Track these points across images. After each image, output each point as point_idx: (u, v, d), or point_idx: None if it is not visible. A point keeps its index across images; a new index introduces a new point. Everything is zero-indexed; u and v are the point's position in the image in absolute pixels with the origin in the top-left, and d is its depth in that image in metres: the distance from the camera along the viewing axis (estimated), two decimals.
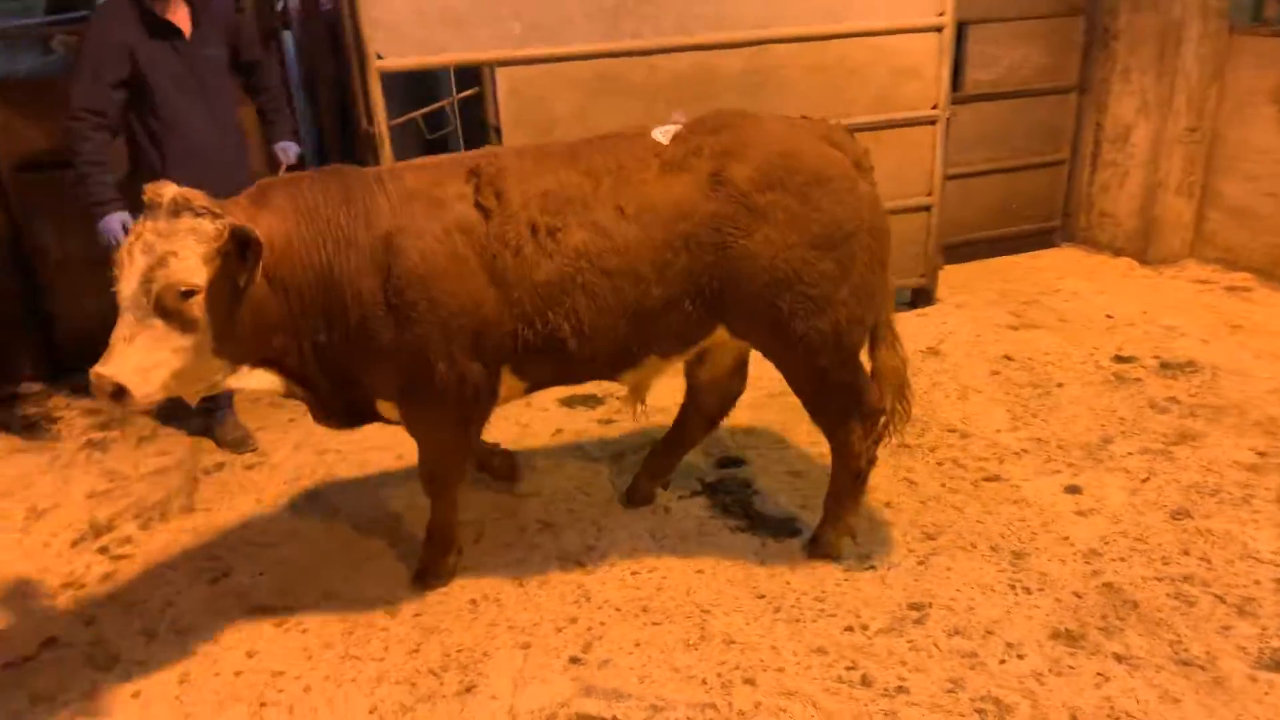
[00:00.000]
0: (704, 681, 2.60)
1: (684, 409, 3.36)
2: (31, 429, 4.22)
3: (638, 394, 3.11)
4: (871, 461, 3.04)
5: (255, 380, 2.55)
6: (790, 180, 2.69)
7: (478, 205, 2.59)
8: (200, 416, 3.96)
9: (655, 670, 2.64)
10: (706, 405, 3.30)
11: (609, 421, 4.05)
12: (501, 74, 4.03)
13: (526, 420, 4.05)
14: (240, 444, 3.92)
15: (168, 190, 2.28)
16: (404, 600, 2.98)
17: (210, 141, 3.56)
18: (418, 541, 3.14)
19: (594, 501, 3.47)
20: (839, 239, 2.72)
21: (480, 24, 3.93)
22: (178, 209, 2.26)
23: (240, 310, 2.36)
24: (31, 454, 4.02)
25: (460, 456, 2.93)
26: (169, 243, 2.23)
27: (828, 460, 3.07)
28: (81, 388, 4.04)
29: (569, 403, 4.18)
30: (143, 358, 2.22)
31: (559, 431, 3.99)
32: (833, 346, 2.80)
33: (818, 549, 3.10)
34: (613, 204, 2.65)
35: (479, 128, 4.35)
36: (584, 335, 2.69)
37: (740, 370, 3.23)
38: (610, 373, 2.92)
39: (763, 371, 3.11)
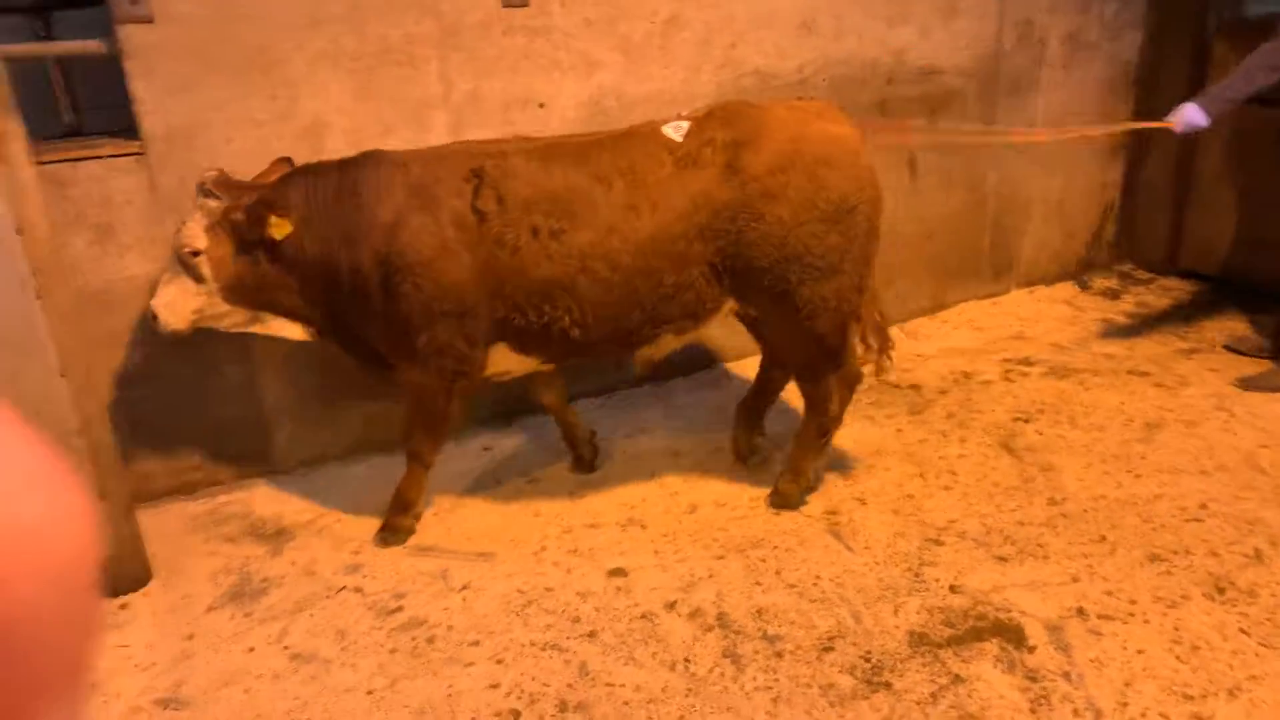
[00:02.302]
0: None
1: (762, 363, 3.55)
2: None
3: (647, 362, 3.25)
4: (838, 421, 3.33)
5: (285, 329, 3.08)
6: (800, 162, 2.86)
7: (474, 208, 2.81)
8: None
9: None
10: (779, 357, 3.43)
11: None
12: None
13: None
14: None
15: (208, 174, 2.84)
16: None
17: None
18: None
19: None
20: (844, 212, 2.91)
21: None
22: (203, 190, 2.82)
23: (240, 272, 2.86)
24: None
25: (434, 421, 3.10)
26: (191, 214, 2.84)
27: None
28: None
29: None
30: (171, 296, 2.87)
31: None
32: (833, 310, 3.01)
33: (778, 499, 3.35)
34: (625, 203, 2.83)
35: None
36: (587, 325, 2.91)
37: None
38: (624, 352, 3.14)
39: None
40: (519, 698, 2.54)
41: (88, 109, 3.55)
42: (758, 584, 2.98)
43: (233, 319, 3.01)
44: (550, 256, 2.84)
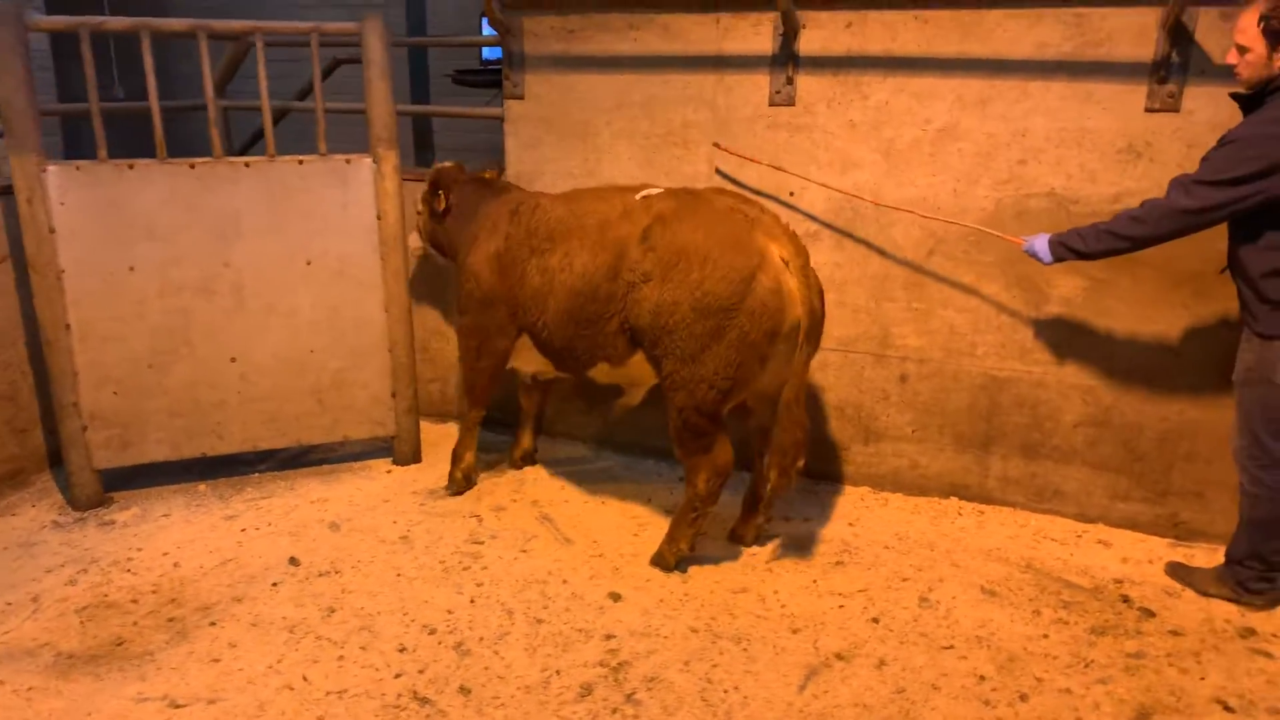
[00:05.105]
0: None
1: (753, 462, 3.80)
2: None
3: (630, 392, 4.31)
4: (707, 501, 3.50)
5: None
6: (691, 252, 3.24)
7: (506, 232, 3.82)
8: None
9: None
10: (764, 452, 3.68)
11: None
12: None
13: None
14: None
15: (439, 166, 4.27)
16: None
17: None
18: None
19: None
20: (715, 309, 3.20)
21: None
22: (429, 177, 4.26)
23: (431, 230, 4.27)
24: None
25: (470, 386, 4.15)
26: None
27: None
28: None
29: None
30: (412, 239, 4.41)
31: None
32: (689, 393, 3.32)
33: (656, 558, 3.64)
34: (579, 238, 3.57)
35: None
36: (550, 330, 3.69)
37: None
38: (579, 368, 3.77)
39: None
40: (449, 621, 3.25)
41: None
42: (686, 664, 3.05)
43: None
44: (537, 270, 3.68)
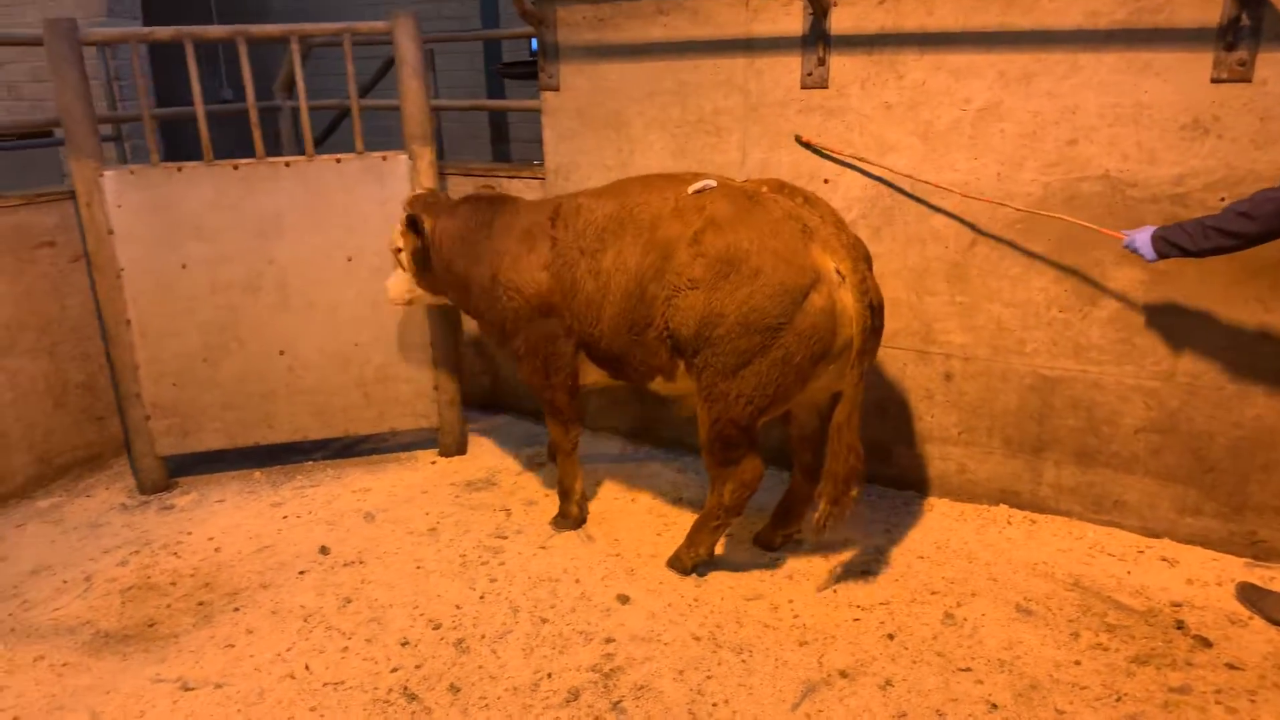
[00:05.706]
0: None
1: (792, 467, 3.66)
2: None
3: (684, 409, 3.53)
4: (731, 513, 3.40)
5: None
6: (743, 263, 3.04)
7: (551, 238, 3.51)
8: None
9: None
10: (804, 461, 3.57)
11: None
12: None
13: None
14: None
15: (415, 193, 3.98)
16: None
17: None
18: None
19: None
20: (761, 327, 3.03)
21: None
22: (405, 205, 3.92)
23: (424, 264, 3.88)
24: None
25: (553, 412, 3.78)
26: (395, 223, 3.99)
27: None
28: None
29: None
30: (393, 282, 4.02)
31: None
32: (725, 406, 3.17)
33: (672, 560, 3.56)
34: (632, 234, 3.31)
35: None
36: (604, 335, 3.43)
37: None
38: (639, 379, 3.54)
39: None
40: (456, 617, 3.28)
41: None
42: (680, 673, 2.96)
43: (427, 298, 4.04)
44: (589, 273, 3.40)
